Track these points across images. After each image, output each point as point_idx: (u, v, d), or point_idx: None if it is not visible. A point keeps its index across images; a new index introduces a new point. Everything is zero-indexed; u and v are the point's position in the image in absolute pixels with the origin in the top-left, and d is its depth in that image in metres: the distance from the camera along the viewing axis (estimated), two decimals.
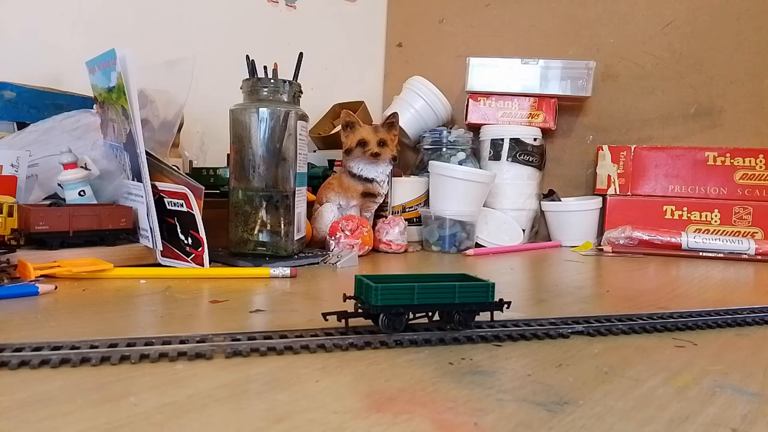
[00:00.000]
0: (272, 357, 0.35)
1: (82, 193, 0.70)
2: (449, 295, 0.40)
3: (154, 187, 0.66)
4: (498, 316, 0.44)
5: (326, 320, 0.40)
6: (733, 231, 1.04)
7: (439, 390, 0.31)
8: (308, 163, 0.84)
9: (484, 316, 0.43)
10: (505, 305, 0.41)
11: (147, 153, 0.64)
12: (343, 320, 0.40)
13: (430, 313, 0.41)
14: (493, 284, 0.41)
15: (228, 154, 0.78)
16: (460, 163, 1.09)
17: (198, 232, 0.64)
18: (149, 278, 0.61)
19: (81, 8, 0.93)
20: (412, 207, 1.03)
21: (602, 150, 1.13)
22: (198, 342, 0.36)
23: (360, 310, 0.40)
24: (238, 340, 0.37)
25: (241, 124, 0.74)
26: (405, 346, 0.38)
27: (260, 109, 0.73)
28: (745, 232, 1.03)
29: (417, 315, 0.40)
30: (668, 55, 1.16)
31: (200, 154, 1.04)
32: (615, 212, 1.10)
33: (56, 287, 0.53)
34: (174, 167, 0.67)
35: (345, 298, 0.41)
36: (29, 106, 0.78)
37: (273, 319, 0.46)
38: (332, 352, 0.37)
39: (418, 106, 1.19)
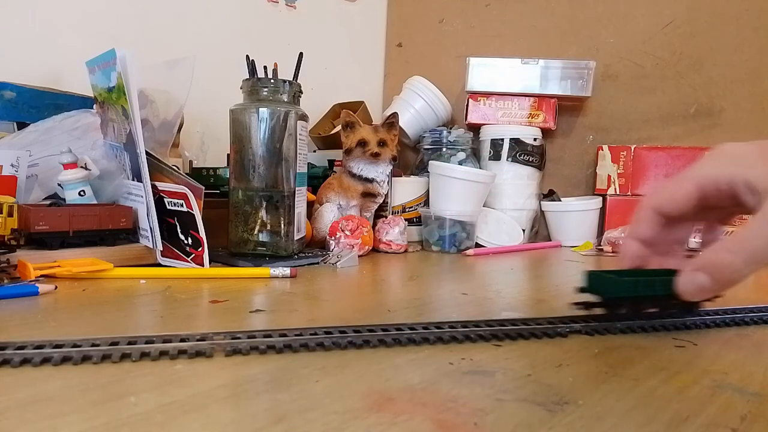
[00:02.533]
0: (272, 356, 0.35)
1: (82, 193, 0.70)
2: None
3: (154, 187, 0.66)
4: (494, 315, 0.44)
5: (577, 309, 0.45)
6: (733, 231, 1.03)
7: (439, 390, 0.31)
8: (308, 163, 0.84)
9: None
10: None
11: (147, 153, 0.64)
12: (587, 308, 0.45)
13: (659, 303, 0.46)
14: None
15: (228, 154, 0.78)
16: (460, 163, 1.09)
17: (198, 232, 0.64)
18: (149, 278, 0.61)
19: (81, 8, 0.93)
20: (412, 207, 1.03)
21: (602, 150, 1.13)
22: (198, 340, 0.36)
23: (600, 302, 0.45)
24: (238, 338, 0.37)
25: (241, 124, 0.74)
26: (405, 345, 0.38)
27: (260, 109, 0.73)
28: None
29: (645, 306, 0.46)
30: (668, 55, 1.16)
31: (200, 154, 1.04)
32: (615, 212, 1.10)
33: (56, 287, 0.53)
34: (174, 167, 0.67)
35: (579, 290, 0.45)
36: (29, 106, 0.77)
37: (273, 319, 0.46)
38: (332, 351, 0.37)
39: (418, 106, 1.19)
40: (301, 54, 0.78)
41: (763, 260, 0.35)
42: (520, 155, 1.11)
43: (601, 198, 1.12)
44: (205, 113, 1.00)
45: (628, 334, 0.43)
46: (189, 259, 0.65)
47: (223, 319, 0.46)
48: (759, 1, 1.10)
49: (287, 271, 0.64)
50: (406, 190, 1.03)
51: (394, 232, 0.91)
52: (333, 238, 0.84)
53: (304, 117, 0.76)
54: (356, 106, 1.16)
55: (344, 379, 0.32)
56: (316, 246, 0.88)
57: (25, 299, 0.49)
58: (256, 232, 0.74)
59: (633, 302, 0.45)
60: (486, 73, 1.15)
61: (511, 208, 1.11)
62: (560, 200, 1.14)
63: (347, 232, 0.83)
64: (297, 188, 0.76)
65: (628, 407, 0.29)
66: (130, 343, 0.35)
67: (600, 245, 1.04)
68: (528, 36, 1.26)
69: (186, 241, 0.65)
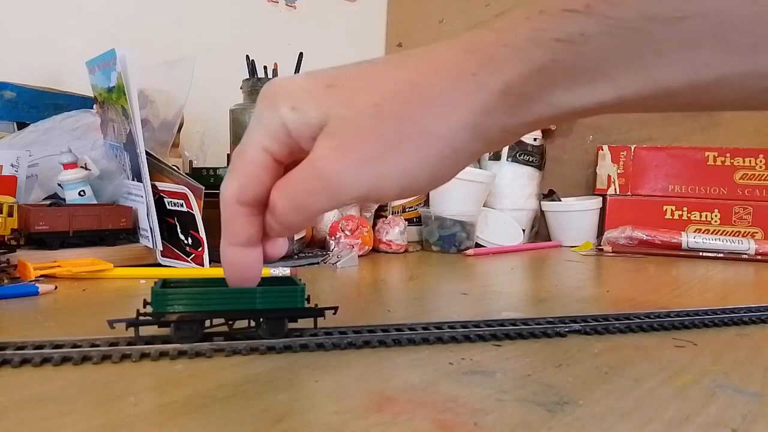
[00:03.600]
0: (272, 356, 0.35)
1: (82, 193, 0.70)
2: (250, 300, 0.35)
3: (154, 187, 0.66)
4: (494, 315, 0.44)
5: (113, 328, 0.34)
6: (733, 231, 1.04)
7: (439, 390, 0.31)
8: None
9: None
10: (331, 311, 0.38)
11: (147, 153, 0.64)
12: (133, 329, 0.35)
13: (230, 321, 0.36)
14: (303, 287, 0.37)
15: (228, 154, 0.78)
16: None
17: (198, 232, 0.64)
18: (149, 278, 0.61)
19: (81, 8, 0.93)
20: (412, 207, 1.03)
21: (602, 150, 1.13)
22: (198, 341, 0.36)
23: (149, 317, 0.35)
24: (238, 338, 0.37)
25: (241, 124, 0.74)
26: (405, 345, 0.38)
27: None
28: (745, 232, 1.03)
29: (216, 323, 0.36)
30: None
31: (200, 154, 1.04)
32: (615, 212, 1.10)
33: (56, 287, 0.53)
34: (174, 167, 0.67)
35: (145, 303, 0.35)
36: (29, 106, 0.77)
37: None
38: (332, 351, 0.37)
39: None
40: (301, 54, 0.78)
41: (306, 210, 0.31)
42: (520, 155, 1.11)
43: (601, 198, 1.12)
44: (205, 113, 1.00)
45: (627, 334, 0.43)
46: (189, 259, 0.65)
47: None
48: None
49: (287, 271, 0.64)
50: None
51: (394, 232, 0.91)
52: (333, 238, 0.84)
53: None
54: None
55: (344, 379, 0.32)
56: (316, 246, 0.88)
57: (25, 299, 0.49)
58: None
59: (195, 319, 0.35)
60: None
61: (511, 208, 1.10)
62: (560, 200, 1.14)
63: (347, 232, 0.83)
64: None
65: (628, 407, 0.29)
66: (129, 344, 0.35)
67: (600, 245, 1.04)
68: None
69: (186, 241, 0.65)
